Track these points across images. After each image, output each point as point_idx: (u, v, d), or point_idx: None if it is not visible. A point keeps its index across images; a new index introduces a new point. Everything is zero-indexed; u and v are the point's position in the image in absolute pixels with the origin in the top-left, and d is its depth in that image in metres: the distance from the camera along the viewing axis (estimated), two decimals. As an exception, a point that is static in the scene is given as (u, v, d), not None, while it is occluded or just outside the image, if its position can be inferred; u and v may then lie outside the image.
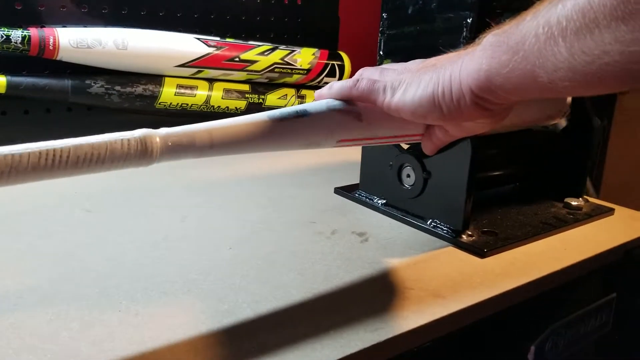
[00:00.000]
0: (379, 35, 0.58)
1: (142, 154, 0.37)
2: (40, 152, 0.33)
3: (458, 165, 0.52)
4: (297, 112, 0.46)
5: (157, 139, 0.38)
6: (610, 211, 0.63)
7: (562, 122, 0.66)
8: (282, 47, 0.90)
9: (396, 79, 0.44)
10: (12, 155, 0.32)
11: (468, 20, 0.49)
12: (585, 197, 0.65)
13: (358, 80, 0.45)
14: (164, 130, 0.39)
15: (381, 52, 0.58)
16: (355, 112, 0.49)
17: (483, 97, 0.39)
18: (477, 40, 0.39)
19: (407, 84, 0.43)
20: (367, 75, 0.46)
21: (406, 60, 0.56)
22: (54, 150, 0.34)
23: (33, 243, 0.49)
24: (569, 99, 0.64)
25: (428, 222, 0.55)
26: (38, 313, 0.38)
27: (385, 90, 0.44)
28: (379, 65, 0.59)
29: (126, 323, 0.37)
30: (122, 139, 0.36)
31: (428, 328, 0.40)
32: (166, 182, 0.66)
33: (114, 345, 0.35)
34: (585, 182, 0.65)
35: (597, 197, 0.80)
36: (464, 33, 0.50)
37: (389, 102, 0.44)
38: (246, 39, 0.88)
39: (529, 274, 0.47)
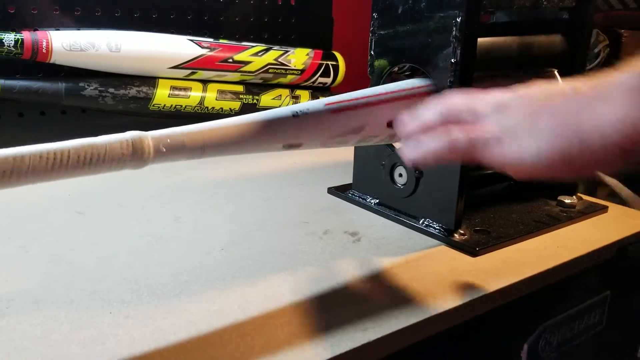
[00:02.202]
0: (370, 35, 0.58)
1: (134, 157, 0.37)
2: (40, 155, 0.33)
3: (450, 163, 0.52)
4: (290, 112, 0.46)
5: (149, 142, 0.38)
6: (604, 209, 0.63)
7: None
8: (275, 47, 0.90)
9: (499, 124, 0.36)
10: (14, 157, 0.33)
11: (457, 20, 0.49)
12: (579, 194, 0.65)
13: (452, 139, 0.38)
14: (155, 133, 0.39)
15: (372, 52, 0.58)
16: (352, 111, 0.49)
17: (635, 151, 0.32)
18: (605, 72, 0.33)
19: (516, 132, 0.35)
20: (455, 111, 0.39)
21: (397, 59, 0.56)
22: (55, 152, 0.34)
23: (25, 246, 0.49)
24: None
25: (421, 221, 0.55)
26: (29, 316, 0.38)
27: (490, 143, 0.36)
28: (370, 64, 0.59)
29: (116, 325, 0.38)
30: (113, 142, 0.37)
31: (419, 327, 0.40)
32: (160, 183, 0.67)
33: (104, 347, 0.35)
34: (578, 179, 0.65)
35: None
36: (454, 32, 0.50)
37: (501, 158, 0.36)
38: (240, 40, 0.88)
39: (521, 273, 0.48)
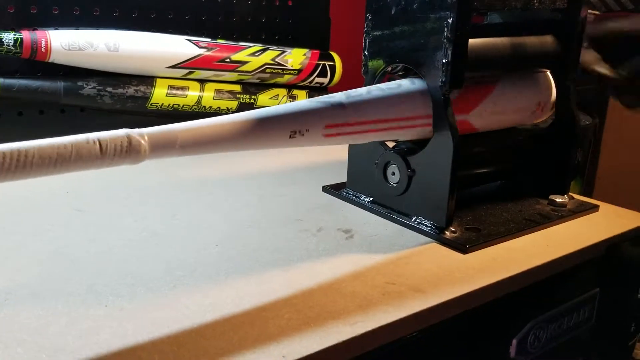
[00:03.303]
0: (364, 35, 0.59)
1: (128, 153, 0.38)
2: (19, 151, 0.34)
3: (441, 163, 0.53)
4: (282, 109, 0.47)
5: (144, 138, 0.39)
6: (595, 208, 0.64)
7: (547, 120, 0.67)
8: (273, 47, 0.91)
9: None
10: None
11: (449, 21, 0.50)
12: (570, 194, 0.66)
13: None
14: (150, 129, 0.40)
15: (366, 52, 0.59)
16: (338, 103, 0.50)
17: None
18: None
19: None
20: None
21: (390, 59, 0.57)
22: (39, 148, 0.35)
23: (23, 241, 0.50)
24: (553, 96, 0.65)
25: (413, 219, 0.56)
26: (27, 309, 0.39)
27: None
28: (365, 64, 0.60)
29: (111, 317, 0.38)
30: (108, 138, 0.37)
31: (406, 322, 0.40)
32: (158, 181, 0.67)
33: (99, 338, 0.36)
34: (569, 179, 0.66)
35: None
36: (445, 33, 0.50)
37: None
38: (237, 40, 0.89)
39: (509, 269, 0.48)
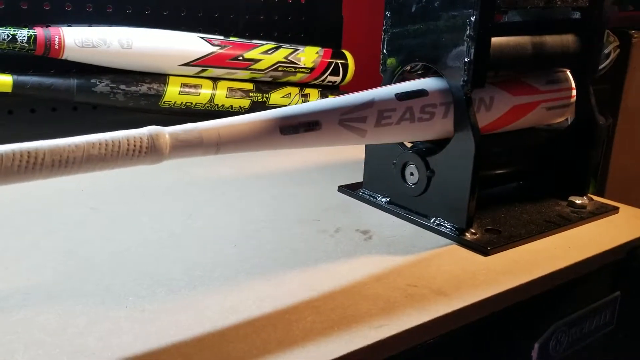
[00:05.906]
0: (383, 33, 0.58)
1: (152, 152, 0.37)
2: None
3: (462, 163, 0.52)
4: (303, 110, 0.47)
5: (166, 137, 0.38)
6: (615, 210, 0.63)
7: (567, 121, 0.66)
8: (285, 45, 0.90)
9: None
10: (29, 151, 0.33)
11: (471, 18, 0.49)
12: (589, 195, 0.65)
13: None
14: (172, 128, 0.39)
15: (384, 51, 0.58)
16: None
17: None
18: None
19: None
20: None
21: (410, 58, 0.56)
22: (68, 147, 0.34)
23: (39, 241, 0.49)
24: (573, 98, 0.64)
25: (432, 220, 0.55)
26: (46, 309, 0.39)
27: None
28: (383, 62, 0.59)
29: (132, 319, 0.38)
30: (132, 137, 0.37)
31: (431, 325, 0.40)
32: (172, 180, 0.67)
33: (120, 340, 0.36)
34: (589, 180, 0.65)
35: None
36: (467, 31, 0.50)
37: None
38: (250, 37, 0.89)
39: (532, 272, 0.48)
